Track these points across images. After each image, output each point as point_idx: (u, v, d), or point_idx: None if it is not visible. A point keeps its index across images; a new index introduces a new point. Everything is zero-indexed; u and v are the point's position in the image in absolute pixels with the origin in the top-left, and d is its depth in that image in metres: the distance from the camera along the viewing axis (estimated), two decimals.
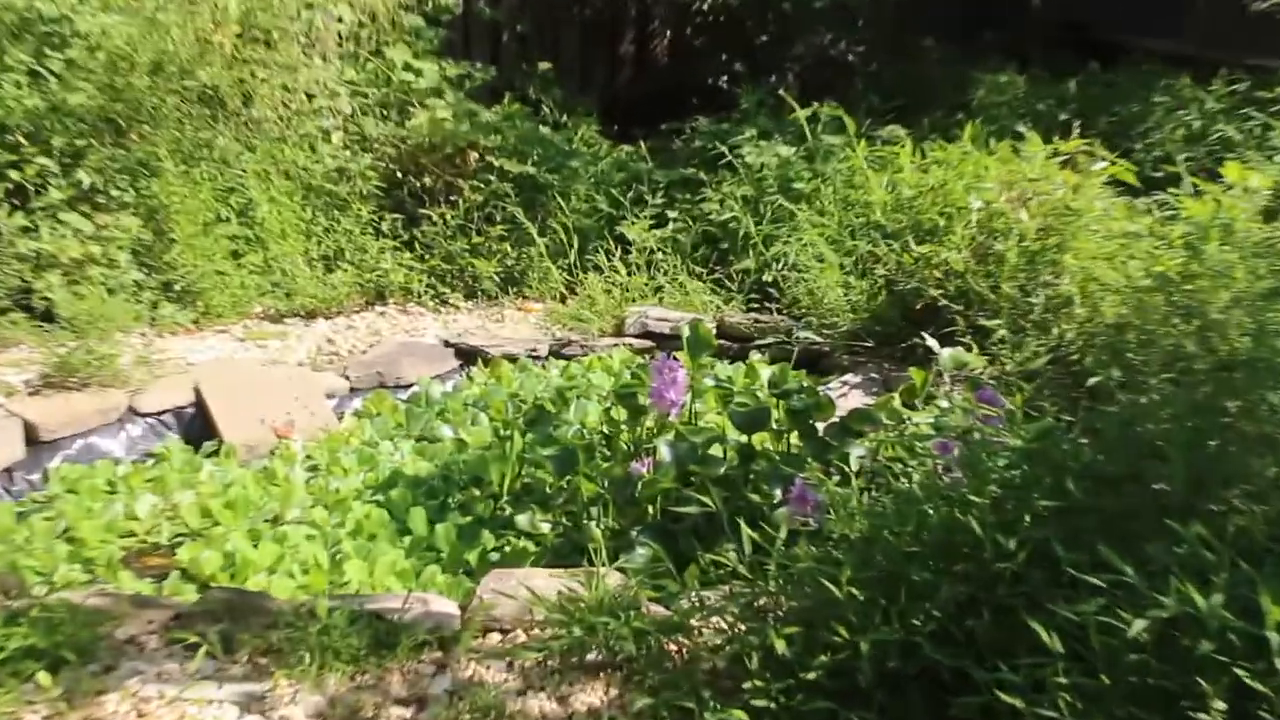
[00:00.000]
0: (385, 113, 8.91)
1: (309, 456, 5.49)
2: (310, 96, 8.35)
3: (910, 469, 3.63)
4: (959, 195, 6.57)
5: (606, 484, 4.51)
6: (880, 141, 8.33)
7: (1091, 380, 4.80)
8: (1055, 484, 2.96)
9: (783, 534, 3.23)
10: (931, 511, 3.05)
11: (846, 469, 3.89)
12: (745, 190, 8.21)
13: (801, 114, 8.38)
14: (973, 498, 2.94)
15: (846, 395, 5.86)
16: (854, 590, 2.89)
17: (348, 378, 6.42)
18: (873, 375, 6.17)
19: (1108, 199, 6.26)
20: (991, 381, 5.20)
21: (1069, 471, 2.97)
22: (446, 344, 7.05)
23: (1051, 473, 3.00)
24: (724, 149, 8.56)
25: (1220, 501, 2.84)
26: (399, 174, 8.64)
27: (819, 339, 6.68)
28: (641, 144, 9.50)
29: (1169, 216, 6.06)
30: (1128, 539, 2.82)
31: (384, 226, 8.28)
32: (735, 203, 8.10)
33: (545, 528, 4.54)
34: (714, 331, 6.88)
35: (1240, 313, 4.60)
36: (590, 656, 3.30)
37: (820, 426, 4.48)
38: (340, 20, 8.71)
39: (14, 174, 6.61)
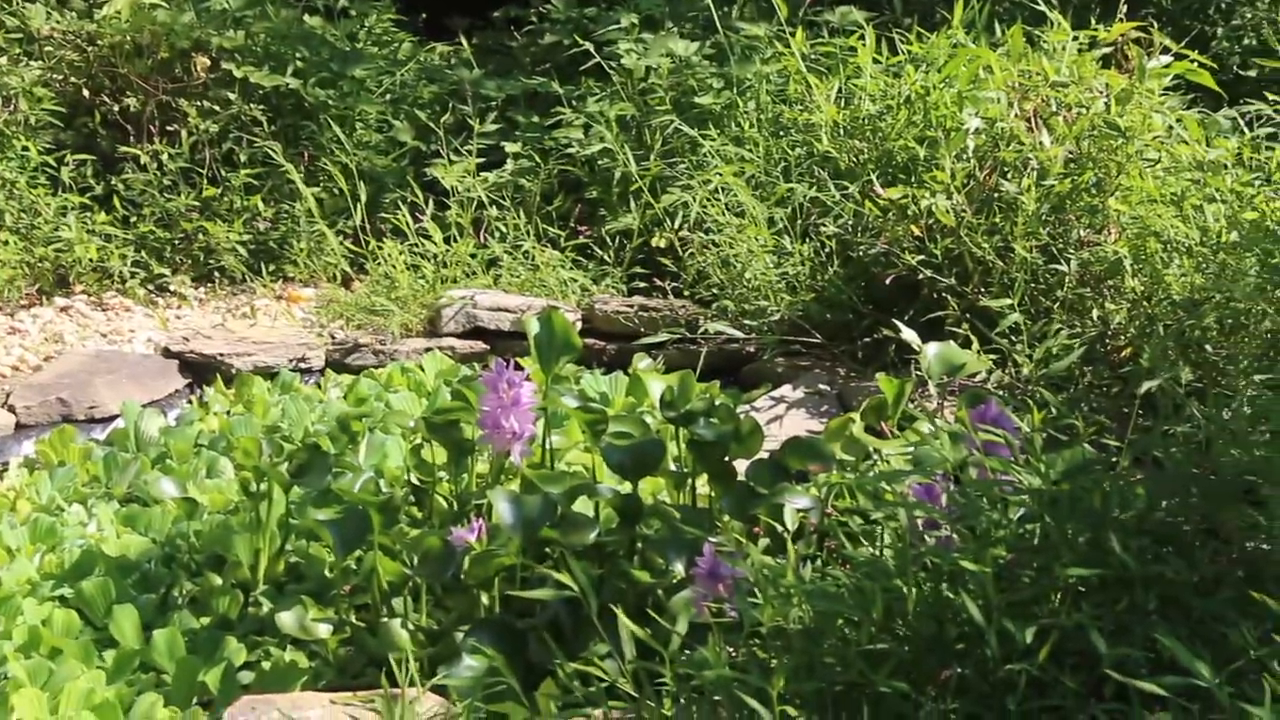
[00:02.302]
0: None
1: None
2: None
3: (877, 526, 3.67)
4: (947, 111, 6.66)
5: (417, 562, 4.49)
6: (829, 31, 8.40)
7: (1147, 385, 4.87)
8: (1094, 544, 3.00)
9: (682, 627, 3.25)
10: (908, 589, 3.08)
11: (781, 529, 3.91)
12: (622, 109, 8.24)
13: None
14: (970, 567, 2.97)
15: (783, 418, 5.91)
16: (790, 711, 2.91)
17: (12, 409, 6.34)
18: (821, 387, 6.24)
19: (1173, 112, 6.38)
20: (999, 392, 5.28)
21: (1114, 525, 3.02)
22: (167, 353, 7.00)
23: (1088, 527, 3.05)
24: (588, 47, 8.58)
25: None
26: (87, 93, 8.58)
27: (739, 334, 6.72)
28: (464, 41, 9.49)
29: (1268, 138, 6.19)
30: (1203, 625, 2.87)
31: (65, 174, 8.19)
32: (607, 129, 8.13)
33: (323, 630, 4.51)
34: (578, 325, 6.90)
35: None
36: None
37: (742, 466, 4.50)
38: None
39: None
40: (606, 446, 4.60)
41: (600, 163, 8.12)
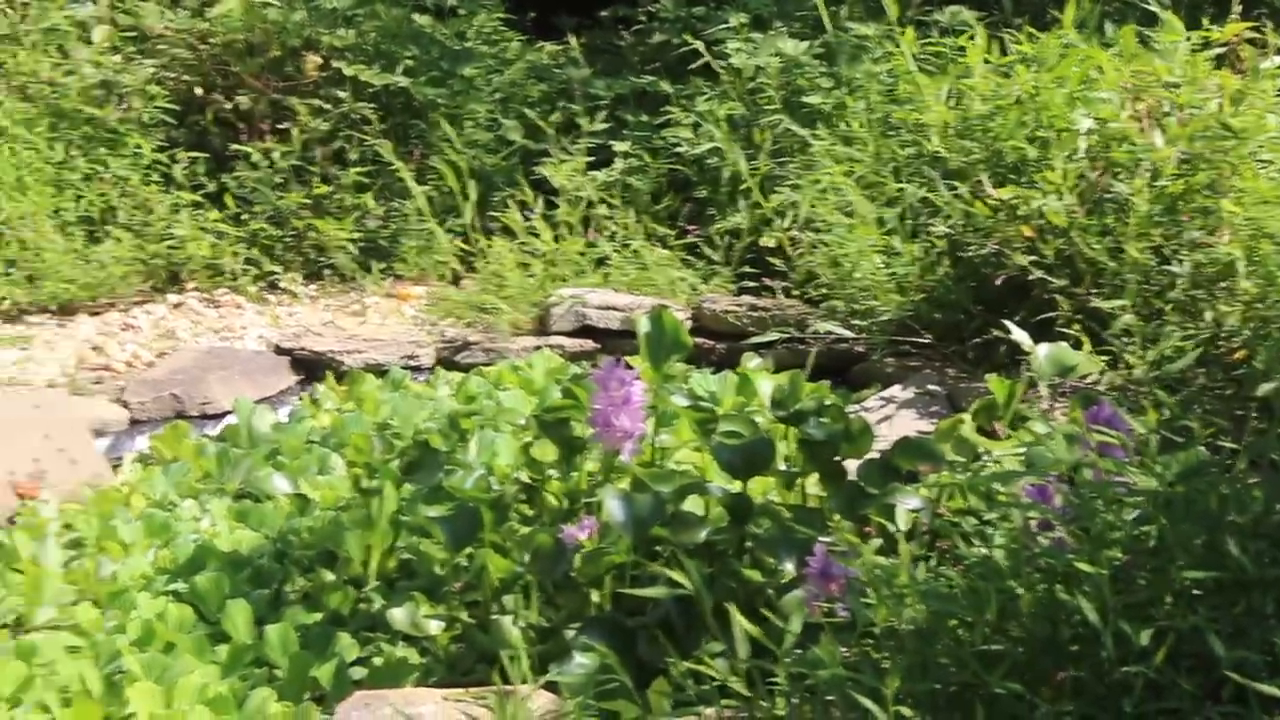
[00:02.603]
0: None
1: (68, 526, 5.47)
2: None
3: (990, 527, 3.65)
4: (1058, 111, 6.62)
5: (528, 559, 4.51)
6: (939, 31, 8.37)
7: (1266, 387, 4.85)
8: (1210, 546, 2.99)
9: (795, 627, 3.25)
10: (1022, 591, 3.07)
11: (892, 529, 3.91)
12: (731, 108, 8.25)
13: None
14: (1085, 568, 2.97)
15: (892, 418, 5.90)
16: (904, 712, 2.91)
17: (126, 405, 6.40)
18: (932, 387, 6.22)
19: None
20: (1113, 393, 5.25)
21: (1230, 528, 3.00)
22: (279, 350, 7.05)
23: (1205, 529, 3.04)
24: (698, 46, 8.59)
25: None
26: (200, 91, 8.66)
27: (848, 333, 6.72)
28: (572, 40, 9.52)
29: None
30: None
31: (177, 172, 8.27)
32: (717, 128, 8.14)
33: (435, 627, 4.54)
34: (688, 325, 6.91)
35: None
36: None
37: (852, 466, 4.50)
38: None
39: None
40: (716, 445, 4.60)
41: (709, 162, 8.13)
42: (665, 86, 8.74)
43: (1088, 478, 3.41)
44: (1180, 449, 3.41)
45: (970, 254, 6.44)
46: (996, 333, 5.84)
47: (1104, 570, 2.95)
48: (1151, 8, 6.99)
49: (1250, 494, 3.14)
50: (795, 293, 7.35)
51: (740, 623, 3.32)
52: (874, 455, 4.51)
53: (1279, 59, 6.36)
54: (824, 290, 7.09)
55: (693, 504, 4.53)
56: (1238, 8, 6.92)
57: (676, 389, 5.30)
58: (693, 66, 8.65)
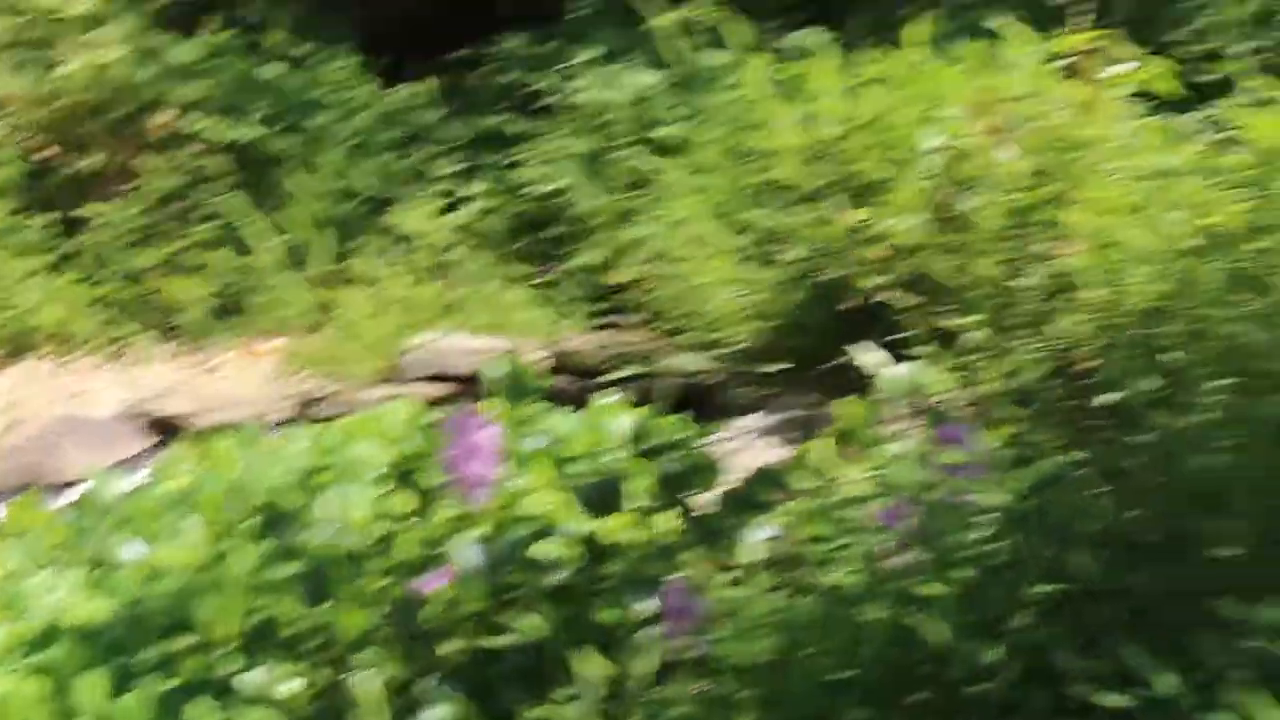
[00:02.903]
0: (21, 58, 8.82)
1: None
2: None
3: (841, 552, 3.64)
4: (908, 130, 6.64)
5: (385, 611, 4.47)
6: (792, 55, 8.38)
7: (1104, 397, 4.83)
8: (1060, 560, 2.98)
9: (646, 666, 3.22)
10: (873, 615, 3.05)
11: (748, 559, 3.89)
12: (583, 144, 8.24)
13: (665, 20, 8.44)
14: (931, 590, 2.95)
15: (751, 448, 5.89)
16: None
17: None
18: (789, 414, 6.21)
19: (1137, 120, 6.36)
20: (965, 411, 5.25)
21: (1080, 539, 3.00)
22: (133, 414, 6.99)
23: (1054, 543, 3.03)
24: (541, 85, 8.57)
25: None
26: (50, 153, 8.56)
27: (707, 364, 6.69)
28: (424, 83, 9.50)
29: (1227, 141, 6.18)
30: (1171, 634, 2.85)
31: (30, 236, 8.17)
32: (568, 165, 8.12)
33: (293, 686, 4.49)
34: (548, 364, 6.88)
35: None
36: None
37: (709, 498, 4.48)
38: None
39: None
40: (572, 486, 4.59)
41: (561, 199, 8.12)
42: (517, 126, 8.73)
43: (936, 498, 3.39)
44: (1030, 463, 3.41)
45: (824, 279, 6.43)
46: (853, 356, 5.85)
47: (952, 590, 2.94)
48: (999, 23, 7.04)
49: (1098, 504, 3.14)
50: (653, 326, 7.32)
51: (592, 664, 3.29)
52: (731, 486, 4.50)
53: (1125, 66, 6.41)
54: (681, 322, 7.06)
55: (548, 547, 4.49)
56: (1086, 18, 6.98)
57: (531, 431, 5.27)
58: (545, 104, 8.64)
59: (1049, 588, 2.91)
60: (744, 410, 6.39)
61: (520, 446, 4.95)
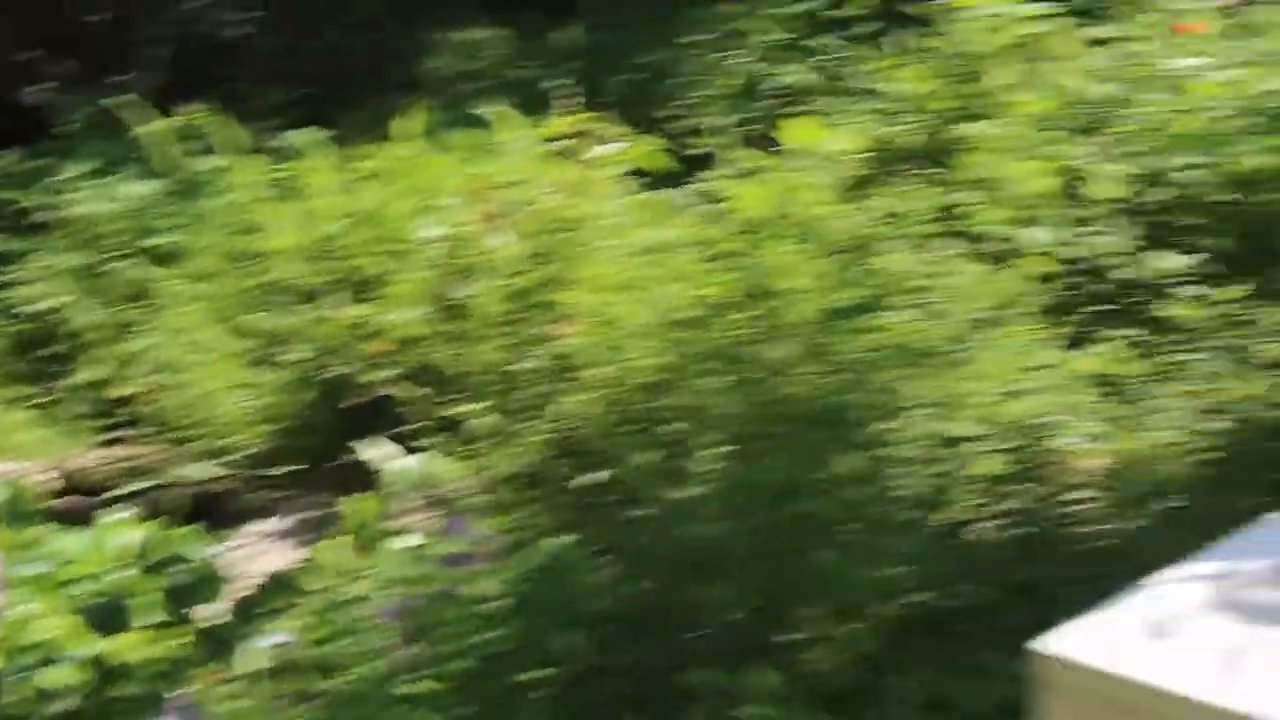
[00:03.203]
0: None
1: None
2: None
3: (347, 653, 3.64)
4: (405, 223, 6.68)
5: None
6: (288, 155, 8.34)
7: (601, 474, 4.89)
8: (555, 641, 3.03)
9: None
10: (380, 716, 3.06)
11: (250, 670, 3.86)
12: (77, 258, 8.06)
13: (153, 128, 8.33)
14: (425, 687, 2.97)
15: (266, 553, 5.82)
16: None
17: None
18: (305, 515, 6.16)
19: (628, 197, 6.49)
20: (474, 498, 5.29)
21: (576, 620, 3.05)
22: None
23: (555, 625, 3.08)
24: (36, 200, 8.37)
25: (797, 628, 2.99)
26: None
27: (218, 471, 6.61)
28: None
29: (715, 214, 6.35)
30: (667, 708, 2.92)
31: None
32: (62, 279, 7.94)
33: None
34: (56, 484, 6.70)
35: (807, 340, 4.83)
36: None
37: (218, 609, 4.43)
38: None
39: None
40: (79, 608, 4.49)
41: (57, 316, 7.93)
42: (9, 245, 8.49)
43: (434, 591, 3.42)
44: (533, 544, 3.46)
45: (328, 376, 6.42)
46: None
47: (449, 683, 2.96)
48: (492, 111, 7.13)
49: (596, 582, 3.20)
50: (162, 437, 7.20)
51: None
52: (245, 593, 4.46)
53: (612, 146, 6.55)
54: (189, 431, 6.97)
55: (56, 674, 4.38)
56: (580, 100, 7.11)
57: (33, 556, 5.13)
58: (33, 220, 8.45)
59: (550, 671, 2.95)
60: (257, 515, 6.31)
61: (20, 573, 4.81)
